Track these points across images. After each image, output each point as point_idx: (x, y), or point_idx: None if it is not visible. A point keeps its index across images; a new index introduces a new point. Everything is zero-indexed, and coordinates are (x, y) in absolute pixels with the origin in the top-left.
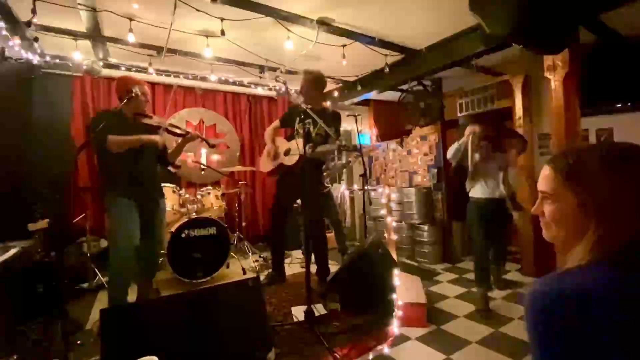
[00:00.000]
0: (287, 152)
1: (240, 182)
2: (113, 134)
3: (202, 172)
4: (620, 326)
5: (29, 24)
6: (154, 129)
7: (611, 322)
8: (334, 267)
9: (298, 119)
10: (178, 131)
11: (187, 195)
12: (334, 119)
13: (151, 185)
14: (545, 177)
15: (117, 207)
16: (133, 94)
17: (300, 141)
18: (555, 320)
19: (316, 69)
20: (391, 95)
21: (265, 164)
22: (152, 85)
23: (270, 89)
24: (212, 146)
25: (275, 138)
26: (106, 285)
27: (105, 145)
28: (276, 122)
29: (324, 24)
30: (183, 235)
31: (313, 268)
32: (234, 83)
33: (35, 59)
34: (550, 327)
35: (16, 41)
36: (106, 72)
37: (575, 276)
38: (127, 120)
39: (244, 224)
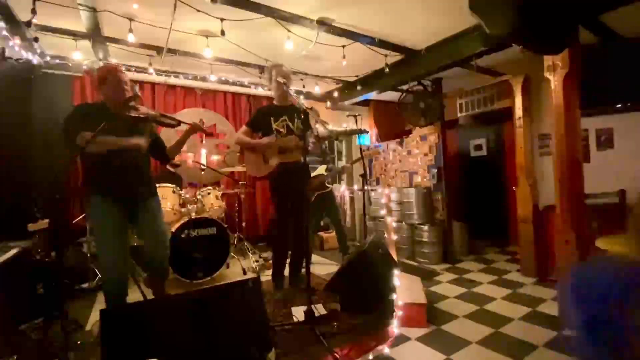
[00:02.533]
0: (283, 150)
1: (240, 182)
2: (94, 128)
3: (202, 172)
4: None
5: (29, 24)
6: (142, 121)
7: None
8: (334, 267)
9: (272, 119)
10: (171, 122)
11: (187, 196)
12: (306, 113)
13: (137, 180)
14: None
15: (95, 207)
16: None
17: (292, 138)
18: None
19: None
20: (391, 95)
21: (258, 168)
22: (152, 85)
23: (270, 89)
24: (210, 134)
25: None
26: None
27: (77, 142)
28: (244, 128)
29: (324, 24)
30: (183, 235)
31: (312, 269)
32: (234, 83)
33: (35, 59)
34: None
35: (16, 41)
36: None
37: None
38: (110, 113)
39: (244, 224)
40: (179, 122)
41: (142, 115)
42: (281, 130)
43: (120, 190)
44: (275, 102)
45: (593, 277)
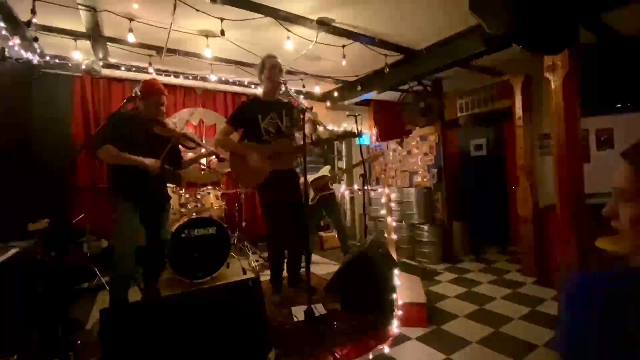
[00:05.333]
0: (274, 156)
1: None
2: (124, 138)
3: (202, 172)
4: None
5: (29, 24)
6: (164, 140)
7: None
8: (334, 267)
9: (260, 116)
10: (191, 143)
11: (187, 195)
12: (292, 107)
13: (159, 189)
14: (622, 173)
15: (122, 210)
16: (137, 95)
17: (287, 141)
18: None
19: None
20: (391, 95)
21: (250, 177)
22: None
23: (260, 83)
24: (221, 160)
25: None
26: (106, 286)
27: (99, 154)
28: (225, 127)
29: (324, 24)
30: (183, 235)
31: (312, 268)
32: (234, 83)
33: (35, 59)
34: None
35: (16, 41)
36: (106, 72)
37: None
38: (142, 124)
39: (244, 224)
40: (199, 145)
41: (165, 135)
42: (270, 130)
43: (145, 196)
44: (261, 97)
45: (591, 284)
